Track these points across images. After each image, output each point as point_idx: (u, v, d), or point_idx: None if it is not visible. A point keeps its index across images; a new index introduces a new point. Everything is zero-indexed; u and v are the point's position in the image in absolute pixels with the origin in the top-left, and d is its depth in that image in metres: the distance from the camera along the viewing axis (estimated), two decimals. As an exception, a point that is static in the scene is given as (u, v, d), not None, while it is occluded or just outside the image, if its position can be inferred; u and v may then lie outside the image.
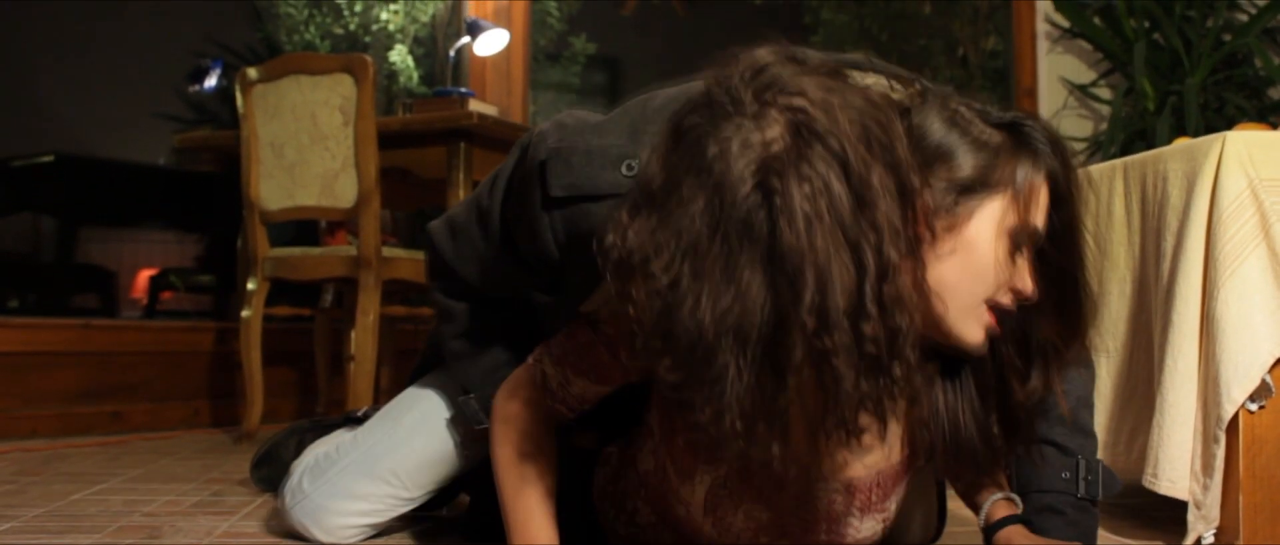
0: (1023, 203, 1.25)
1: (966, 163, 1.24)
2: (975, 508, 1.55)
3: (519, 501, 1.41)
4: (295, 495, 1.85)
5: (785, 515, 1.41)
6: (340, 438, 1.96)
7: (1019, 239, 1.26)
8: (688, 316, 1.03)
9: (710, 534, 1.44)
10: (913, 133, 1.23)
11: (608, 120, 1.42)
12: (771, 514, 1.41)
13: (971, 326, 1.28)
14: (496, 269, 1.55)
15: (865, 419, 1.07)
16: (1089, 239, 1.35)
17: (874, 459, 1.41)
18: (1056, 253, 1.31)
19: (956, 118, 1.26)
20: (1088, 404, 1.58)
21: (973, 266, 1.24)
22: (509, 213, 1.48)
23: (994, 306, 1.28)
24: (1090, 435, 1.56)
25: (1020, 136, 1.28)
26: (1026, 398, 1.36)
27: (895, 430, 1.41)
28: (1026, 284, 1.28)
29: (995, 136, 1.26)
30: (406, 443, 1.80)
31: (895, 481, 1.45)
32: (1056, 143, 1.28)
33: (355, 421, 2.19)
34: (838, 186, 1.03)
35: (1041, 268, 1.31)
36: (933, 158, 1.24)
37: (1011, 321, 1.32)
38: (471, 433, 1.72)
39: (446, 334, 1.71)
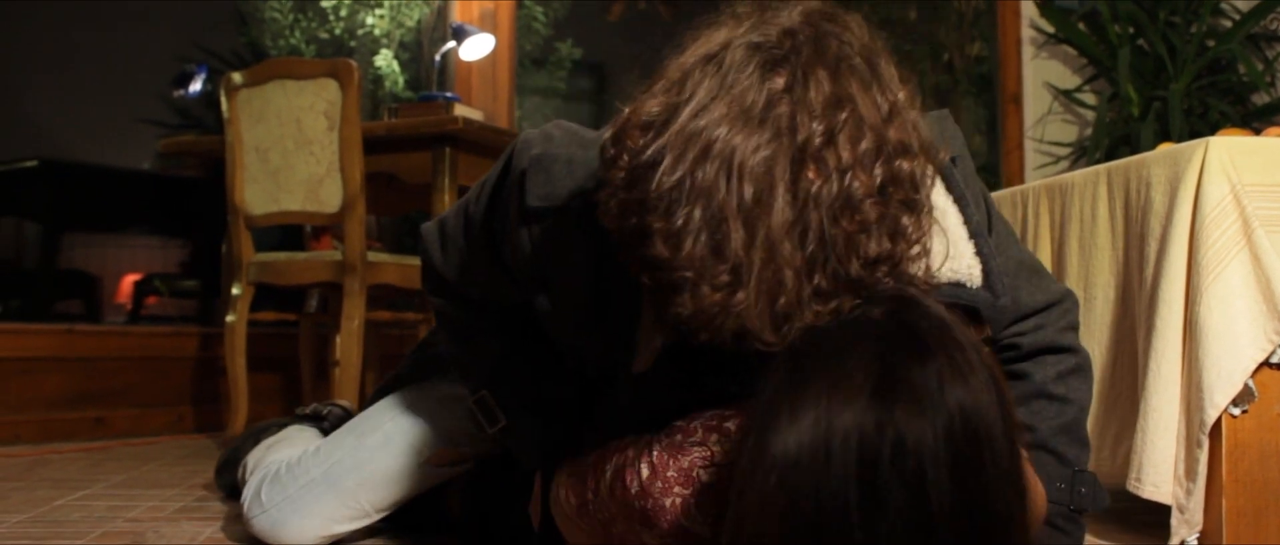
0: None
1: None
2: None
3: None
4: (254, 507, 1.86)
5: None
6: (303, 441, 1.95)
7: None
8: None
9: None
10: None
11: (598, 135, 1.34)
12: None
13: None
14: (483, 276, 1.54)
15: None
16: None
17: None
18: None
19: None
20: (1087, 412, 1.57)
21: None
22: (494, 222, 1.46)
23: None
24: (1086, 445, 1.55)
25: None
26: None
27: None
28: None
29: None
30: (371, 461, 1.80)
31: None
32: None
33: (305, 419, 2.19)
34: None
35: None
36: None
37: None
38: (436, 452, 1.72)
39: (444, 337, 1.70)
